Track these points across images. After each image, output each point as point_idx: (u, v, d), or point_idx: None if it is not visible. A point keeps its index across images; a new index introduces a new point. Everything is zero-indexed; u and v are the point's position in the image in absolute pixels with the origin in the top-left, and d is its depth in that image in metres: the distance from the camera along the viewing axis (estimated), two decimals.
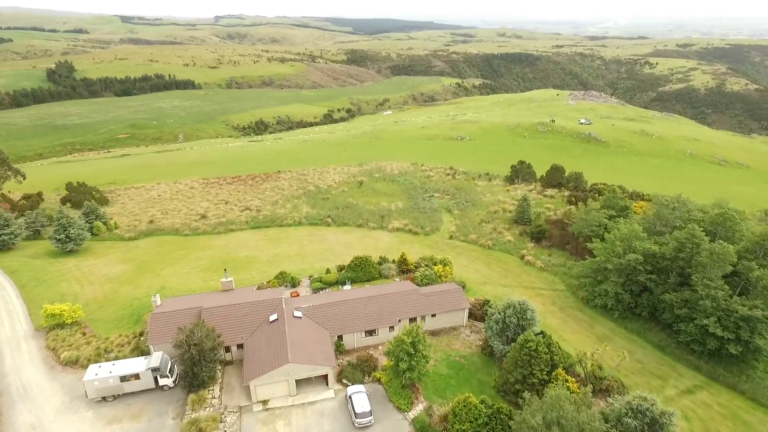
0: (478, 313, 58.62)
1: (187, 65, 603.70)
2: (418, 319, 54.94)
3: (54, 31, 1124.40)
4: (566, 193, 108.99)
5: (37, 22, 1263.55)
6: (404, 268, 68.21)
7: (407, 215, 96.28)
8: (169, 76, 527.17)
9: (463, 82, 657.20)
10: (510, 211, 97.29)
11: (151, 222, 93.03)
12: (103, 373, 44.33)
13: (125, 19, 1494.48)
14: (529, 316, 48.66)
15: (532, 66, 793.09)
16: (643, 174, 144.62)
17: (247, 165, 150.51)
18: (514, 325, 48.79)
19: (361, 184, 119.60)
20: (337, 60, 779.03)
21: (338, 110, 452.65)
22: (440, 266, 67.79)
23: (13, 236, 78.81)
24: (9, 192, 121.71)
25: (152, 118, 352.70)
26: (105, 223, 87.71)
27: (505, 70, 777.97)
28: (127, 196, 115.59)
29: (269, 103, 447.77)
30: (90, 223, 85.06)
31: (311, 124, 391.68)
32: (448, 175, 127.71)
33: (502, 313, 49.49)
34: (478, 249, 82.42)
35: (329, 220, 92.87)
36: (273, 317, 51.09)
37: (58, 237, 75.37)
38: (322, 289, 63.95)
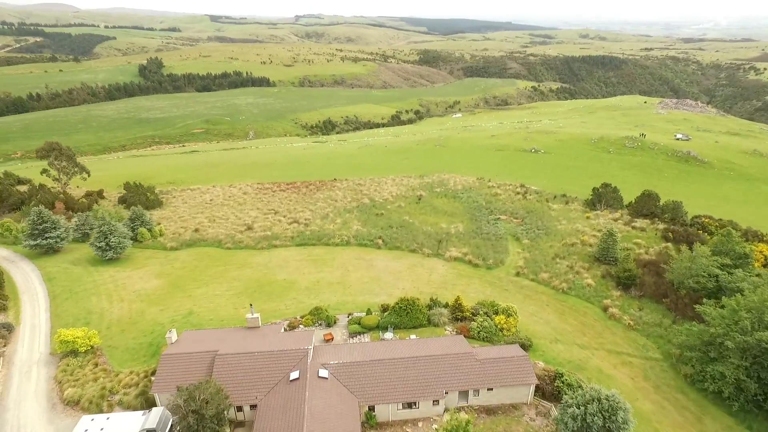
0: (547, 388, 46.85)
1: (264, 63, 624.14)
2: (470, 392, 44.32)
3: (151, 29, 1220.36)
4: (661, 226, 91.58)
5: (139, 21, 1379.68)
6: (458, 315, 57.57)
7: (468, 241, 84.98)
8: (247, 73, 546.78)
9: (539, 85, 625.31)
10: (590, 245, 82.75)
11: (196, 230, 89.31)
12: (94, 430, 38.33)
13: (214, 18, 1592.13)
14: (620, 419, 36.50)
15: (617, 70, 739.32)
16: (756, 204, 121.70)
17: (305, 169, 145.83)
18: (599, 427, 36.83)
19: (419, 199, 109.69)
20: (409, 60, 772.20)
21: (406, 111, 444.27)
22: (502, 316, 56.52)
23: (59, 239, 77.49)
24: (77, 187, 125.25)
25: (226, 114, 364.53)
26: (150, 230, 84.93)
27: (586, 73, 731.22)
28: (181, 199, 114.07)
29: (339, 102, 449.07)
30: (134, 229, 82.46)
31: (378, 125, 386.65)
32: (518, 194, 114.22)
33: (582, 408, 37.67)
34: (550, 292, 69.60)
35: (380, 241, 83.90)
36: (294, 375, 42.83)
37: (98, 245, 72.78)
38: (360, 333, 55.15)
